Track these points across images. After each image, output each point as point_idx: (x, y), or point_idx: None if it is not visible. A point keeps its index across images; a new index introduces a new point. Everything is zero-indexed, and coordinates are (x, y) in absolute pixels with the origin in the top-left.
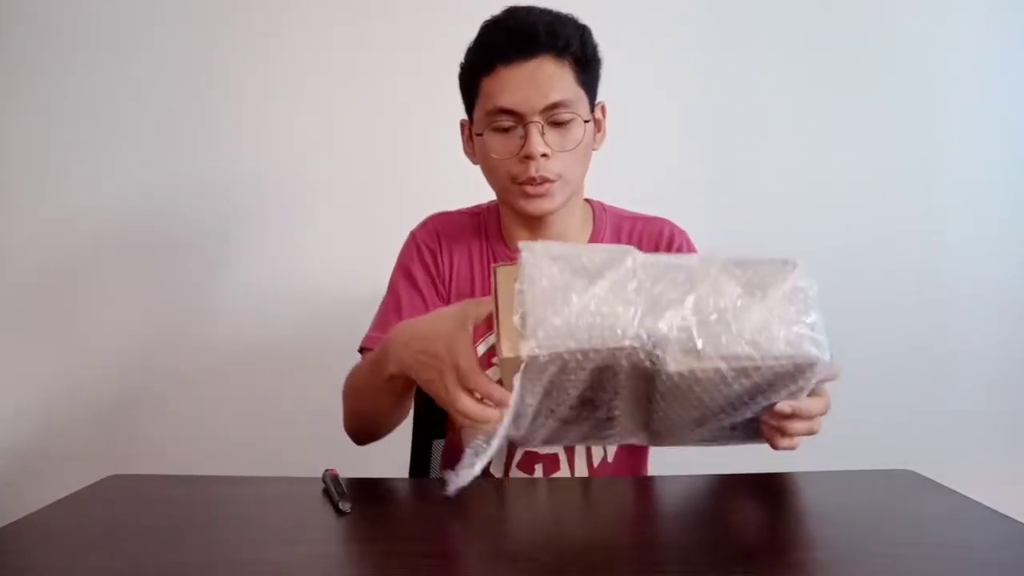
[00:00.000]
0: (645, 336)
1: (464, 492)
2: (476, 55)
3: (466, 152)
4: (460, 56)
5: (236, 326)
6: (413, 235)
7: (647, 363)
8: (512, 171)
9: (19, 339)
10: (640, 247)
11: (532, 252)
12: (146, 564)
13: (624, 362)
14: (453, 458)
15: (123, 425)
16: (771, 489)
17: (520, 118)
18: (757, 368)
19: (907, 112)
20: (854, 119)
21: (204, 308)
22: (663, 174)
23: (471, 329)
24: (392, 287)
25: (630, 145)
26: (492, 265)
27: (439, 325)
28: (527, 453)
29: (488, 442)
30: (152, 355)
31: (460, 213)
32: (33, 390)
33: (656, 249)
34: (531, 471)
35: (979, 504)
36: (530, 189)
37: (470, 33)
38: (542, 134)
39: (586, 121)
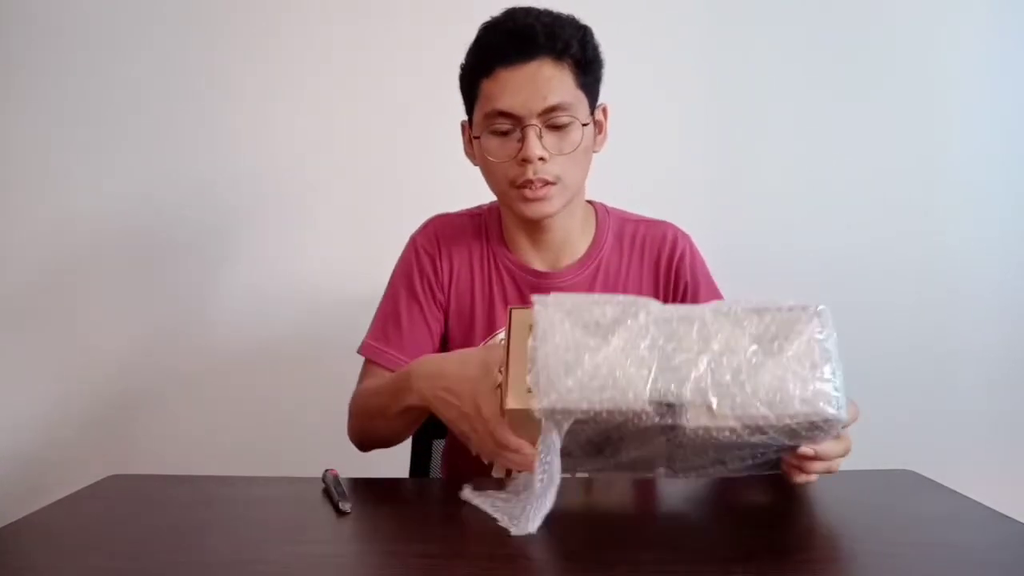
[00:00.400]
0: (659, 398)
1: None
2: (475, 57)
3: (467, 153)
4: (460, 56)
5: (236, 326)
6: (413, 240)
7: (661, 422)
8: (510, 174)
9: (19, 339)
10: (643, 251)
11: (545, 306)
12: (146, 564)
13: (637, 420)
14: (453, 458)
15: (123, 425)
16: (772, 489)
17: (518, 121)
18: (772, 426)
19: (907, 112)
20: (854, 119)
21: (204, 308)
22: (663, 174)
23: (496, 375)
24: (391, 293)
25: (630, 145)
26: (508, 307)
27: (464, 368)
28: None
29: (538, 498)
30: (152, 355)
31: (460, 215)
32: (33, 390)
33: (659, 254)
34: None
35: (979, 504)
36: (528, 193)
37: (470, 33)
38: (540, 137)
39: (584, 124)
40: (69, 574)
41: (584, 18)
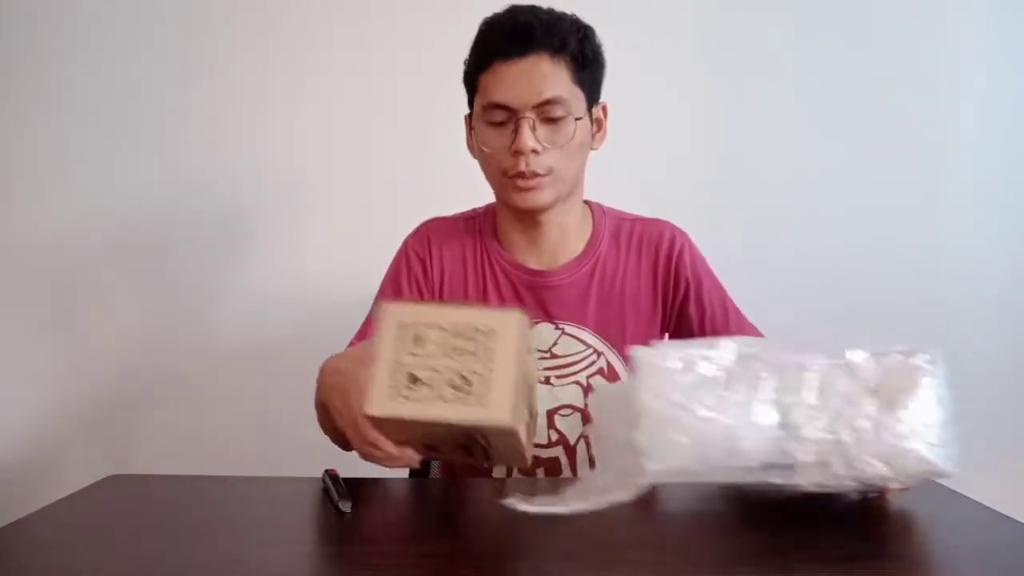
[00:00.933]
0: (774, 460)
1: (464, 492)
2: (475, 52)
3: (468, 146)
4: (461, 56)
5: (236, 326)
6: (405, 243)
7: (770, 480)
8: (504, 165)
9: (19, 339)
10: (640, 250)
11: (647, 357)
12: (146, 564)
13: (747, 478)
14: (453, 462)
15: (123, 425)
16: (772, 489)
17: (513, 113)
18: (886, 479)
19: (907, 111)
20: (854, 118)
21: (204, 308)
22: (663, 174)
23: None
24: (378, 297)
25: (629, 145)
26: (380, 303)
27: (349, 363)
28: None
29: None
30: (152, 355)
31: (455, 218)
32: (34, 390)
33: (657, 252)
34: (532, 475)
35: (979, 504)
36: (521, 183)
37: (470, 33)
38: (533, 129)
39: (578, 119)
40: (69, 574)
41: (585, 17)
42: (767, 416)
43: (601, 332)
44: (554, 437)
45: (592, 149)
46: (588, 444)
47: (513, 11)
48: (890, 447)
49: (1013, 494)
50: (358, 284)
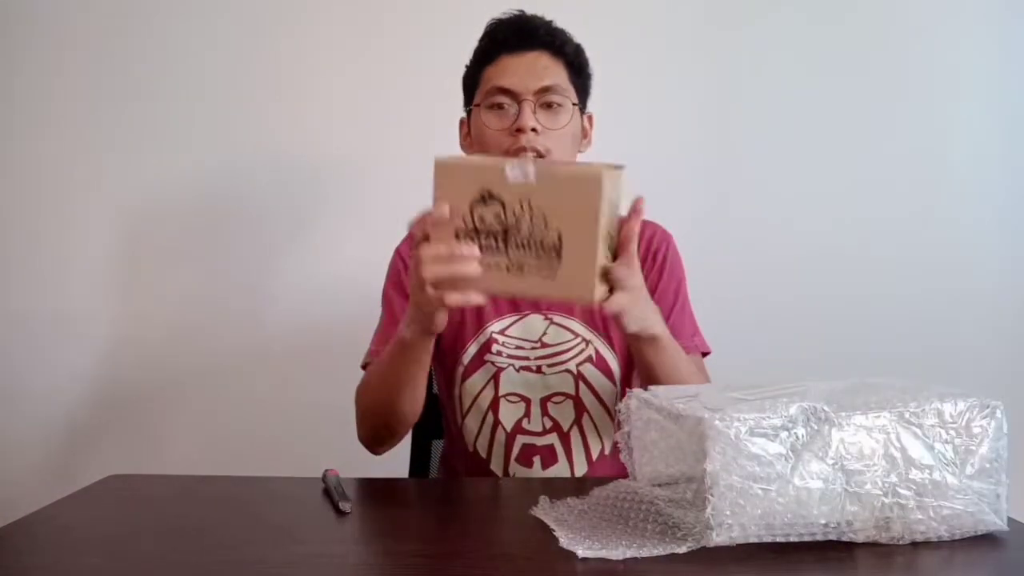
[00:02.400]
0: (838, 518)
1: (464, 493)
2: (482, 48)
3: (462, 146)
4: (463, 58)
5: (237, 326)
6: (397, 251)
7: (831, 537)
8: (504, 144)
9: (19, 339)
10: None
11: (717, 426)
12: (146, 564)
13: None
14: (452, 459)
15: (123, 425)
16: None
17: (515, 96)
18: (940, 538)
19: (907, 111)
20: (853, 118)
21: (204, 308)
22: (662, 174)
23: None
24: (386, 304)
25: (627, 146)
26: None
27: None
28: (525, 446)
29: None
30: (152, 355)
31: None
32: (34, 390)
33: (640, 243)
34: (529, 463)
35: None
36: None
37: (473, 33)
38: (534, 112)
39: (574, 104)
40: (69, 574)
41: (583, 19)
42: (832, 481)
43: (588, 321)
44: (548, 424)
45: (579, 152)
46: (584, 433)
47: (518, 14)
48: (952, 512)
49: (1013, 494)
50: (359, 284)
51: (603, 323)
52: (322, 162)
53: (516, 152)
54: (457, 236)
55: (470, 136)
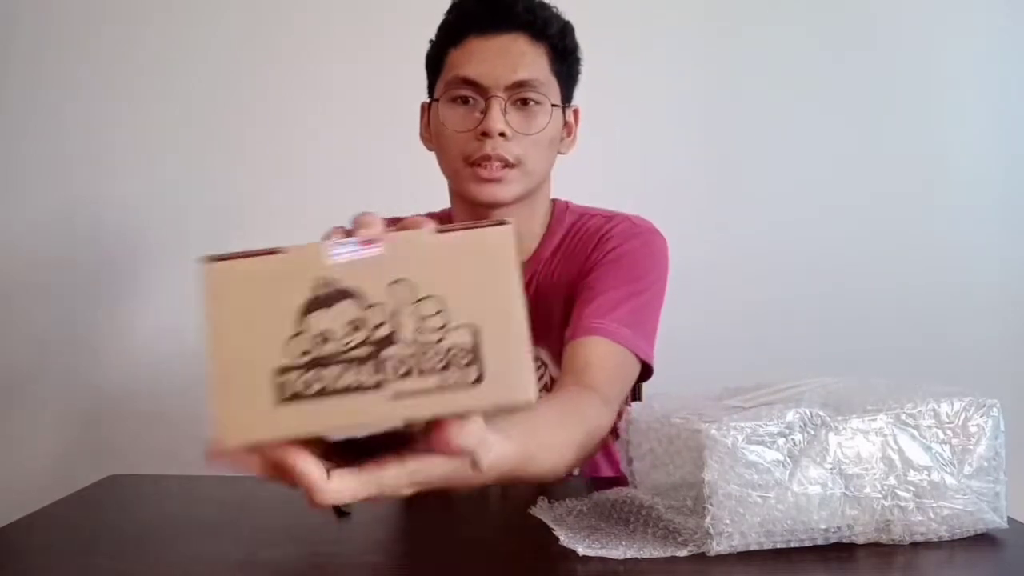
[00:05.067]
0: (838, 522)
1: (462, 493)
2: (447, 26)
3: (422, 138)
4: None
5: None
6: None
7: (831, 540)
8: (466, 149)
9: (19, 338)
10: (578, 247)
11: (714, 435)
12: (146, 564)
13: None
14: None
15: (123, 425)
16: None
17: (482, 92)
18: (940, 539)
19: (906, 110)
20: (854, 118)
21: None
22: (660, 175)
23: None
24: None
25: (626, 146)
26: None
27: None
28: None
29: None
30: (153, 355)
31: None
32: (34, 390)
33: (588, 244)
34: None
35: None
36: (484, 172)
37: None
38: (504, 112)
39: (554, 106)
40: (69, 574)
41: (582, 20)
42: (830, 486)
43: (543, 343)
44: None
45: (560, 153)
46: None
47: None
48: (951, 511)
49: (1013, 494)
50: None
51: (555, 344)
52: (317, 164)
53: (479, 162)
54: (283, 390)
55: (430, 130)
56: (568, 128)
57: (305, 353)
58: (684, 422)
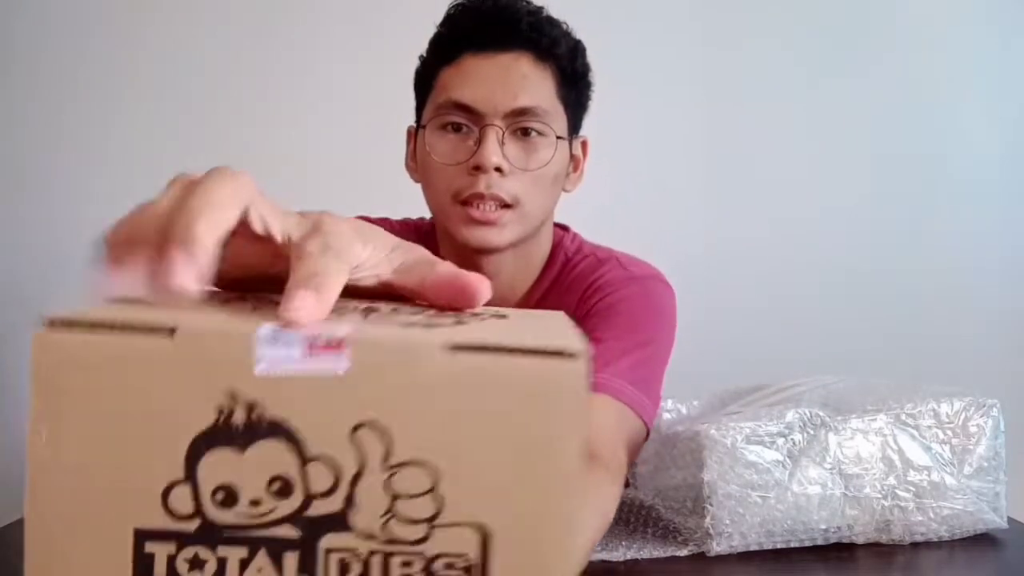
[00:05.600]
0: (838, 522)
1: None
2: (439, 41)
3: (408, 167)
4: None
5: None
6: None
7: (831, 540)
8: (456, 184)
9: (19, 338)
10: (562, 295)
11: (713, 436)
12: None
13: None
14: None
15: None
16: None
17: (477, 119)
18: (940, 538)
19: (906, 112)
20: (854, 117)
21: None
22: (659, 174)
23: None
24: None
25: (625, 145)
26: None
27: None
28: None
29: None
30: None
31: (404, 224)
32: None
33: (570, 300)
34: None
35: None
36: (475, 212)
37: None
38: (501, 144)
39: (559, 138)
40: None
41: (580, 17)
42: (830, 486)
43: None
44: None
45: (564, 190)
46: None
47: None
48: (951, 511)
49: (1013, 494)
50: None
51: None
52: (318, 165)
53: (470, 200)
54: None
55: (416, 158)
56: (575, 162)
57: (192, 516)
58: (684, 421)
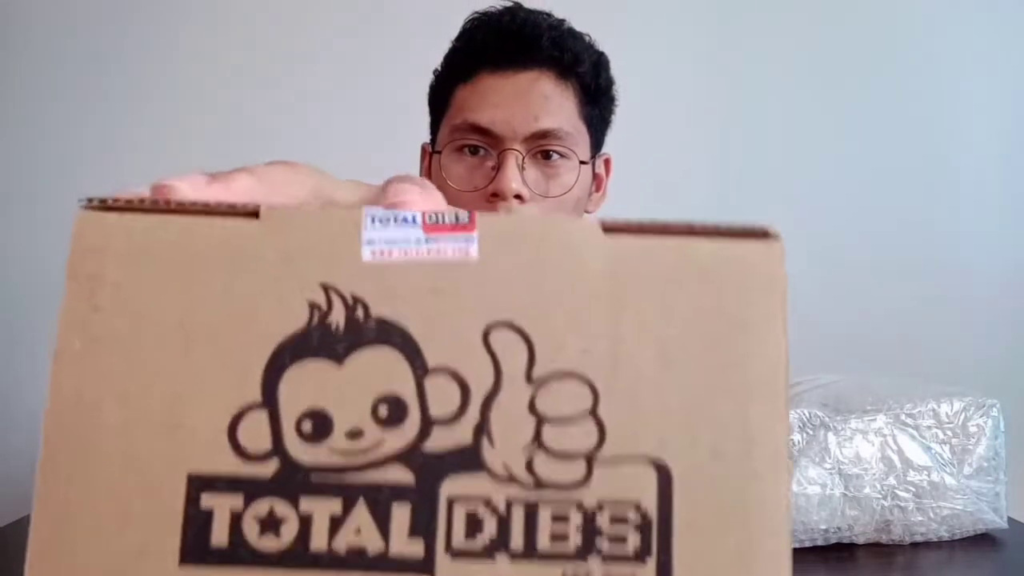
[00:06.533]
0: (838, 522)
1: None
2: (454, 57)
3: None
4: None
5: None
6: None
7: (831, 540)
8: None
9: (20, 338)
10: None
11: None
12: None
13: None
14: None
15: None
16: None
17: (496, 142)
18: (940, 538)
19: (907, 112)
20: (854, 117)
21: None
22: (658, 174)
23: None
24: None
25: (624, 146)
26: None
27: None
28: None
29: None
30: None
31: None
32: (33, 389)
33: None
34: None
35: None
36: None
37: None
38: (521, 169)
39: (582, 163)
40: None
41: (584, 20)
42: (830, 486)
43: None
44: None
45: (587, 212)
46: None
47: (512, 9)
48: (952, 511)
49: (1013, 494)
50: None
51: None
52: (317, 164)
53: None
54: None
55: (430, 179)
56: (598, 181)
57: (268, 456)
58: None
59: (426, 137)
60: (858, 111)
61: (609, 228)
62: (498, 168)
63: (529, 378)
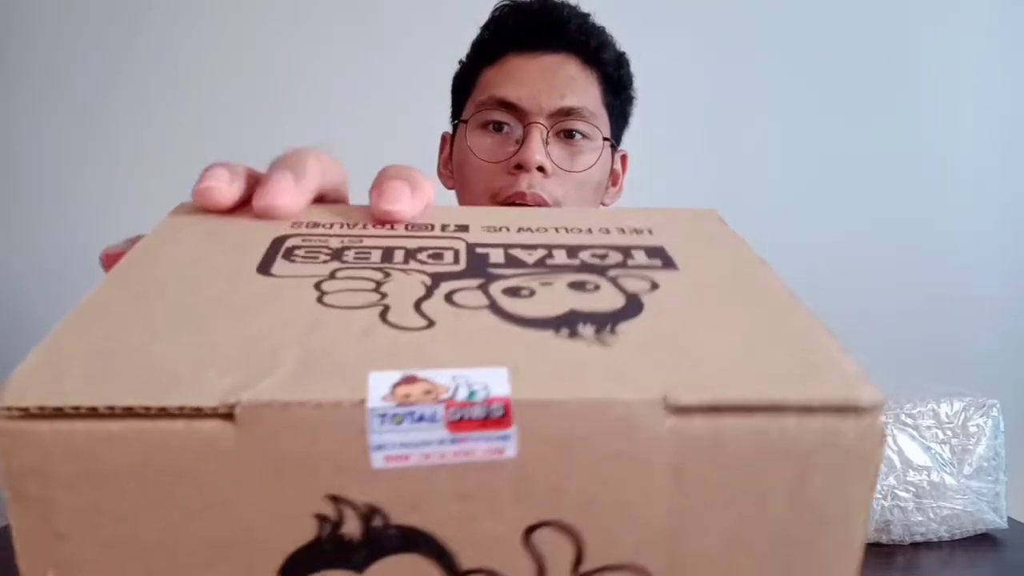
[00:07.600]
0: None
1: None
2: (481, 42)
3: (440, 173)
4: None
5: None
6: None
7: None
8: (496, 184)
9: (19, 337)
10: None
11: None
12: None
13: None
14: None
15: None
16: None
17: (522, 116)
18: (940, 538)
19: (907, 113)
20: (855, 117)
21: None
22: (657, 174)
23: None
24: None
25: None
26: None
27: None
28: None
29: None
30: None
31: None
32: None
33: None
34: None
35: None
36: None
37: None
38: (545, 143)
39: (605, 139)
40: None
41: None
42: None
43: None
44: None
45: (603, 204)
46: None
47: None
48: (952, 511)
49: (1013, 493)
50: None
51: None
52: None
53: (511, 200)
54: None
55: (451, 162)
56: (614, 176)
57: None
58: None
59: (426, 137)
60: (858, 111)
61: (673, 407)
62: (522, 142)
63: (576, 572)
